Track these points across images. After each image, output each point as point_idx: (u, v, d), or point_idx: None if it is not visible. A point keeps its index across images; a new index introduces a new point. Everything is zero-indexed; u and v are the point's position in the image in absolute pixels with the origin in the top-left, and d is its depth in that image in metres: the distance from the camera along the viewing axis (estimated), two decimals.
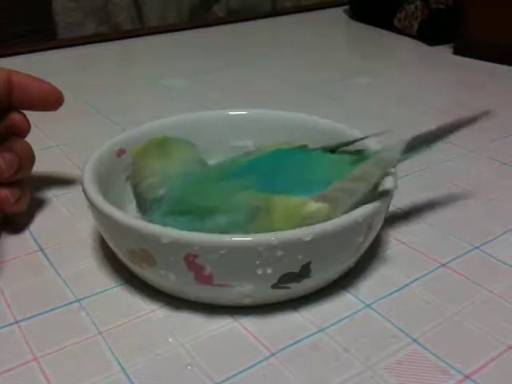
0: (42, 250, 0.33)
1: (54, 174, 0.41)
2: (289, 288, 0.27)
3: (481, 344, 0.26)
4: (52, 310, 0.28)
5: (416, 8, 0.75)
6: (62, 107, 0.36)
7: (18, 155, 0.33)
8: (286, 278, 0.26)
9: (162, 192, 0.30)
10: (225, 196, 0.28)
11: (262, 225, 0.27)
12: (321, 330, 0.27)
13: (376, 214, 0.28)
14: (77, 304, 0.29)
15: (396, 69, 0.66)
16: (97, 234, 0.34)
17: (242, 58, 0.71)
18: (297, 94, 0.58)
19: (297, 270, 0.26)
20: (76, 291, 0.29)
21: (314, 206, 0.27)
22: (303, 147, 0.33)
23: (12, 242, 0.34)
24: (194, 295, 0.28)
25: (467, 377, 0.24)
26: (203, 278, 0.26)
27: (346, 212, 0.27)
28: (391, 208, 0.34)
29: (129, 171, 0.33)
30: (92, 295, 0.29)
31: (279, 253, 0.25)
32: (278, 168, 0.30)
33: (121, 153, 0.34)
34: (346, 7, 0.90)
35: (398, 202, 0.36)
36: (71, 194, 0.39)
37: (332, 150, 0.32)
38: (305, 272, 0.26)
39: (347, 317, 0.28)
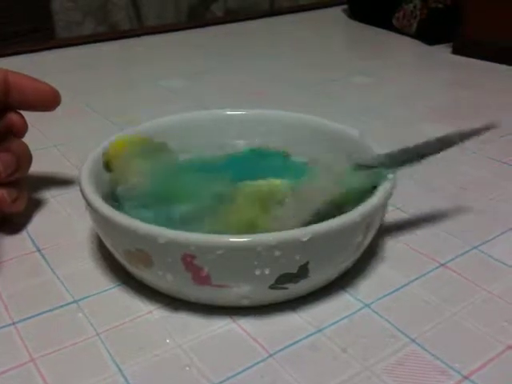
0: (39, 250, 0.33)
1: (52, 174, 0.41)
2: (287, 288, 0.27)
3: (480, 344, 0.26)
4: (49, 310, 0.28)
5: (415, 7, 0.75)
6: (59, 107, 0.36)
7: (16, 155, 0.33)
8: (284, 279, 0.26)
9: (135, 188, 0.30)
10: (193, 187, 0.28)
11: (225, 208, 0.26)
12: (319, 331, 0.27)
13: (374, 213, 0.28)
14: (74, 305, 0.29)
15: (395, 68, 0.66)
16: (94, 234, 0.34)
17: (240, 58, 0.71)
18: (295, 93, 0.58)
19: (294, 270, 0.26)
20: (73, 292, 0.29)
21: (277, 181, 0.27)
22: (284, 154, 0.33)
23: (9, 242, 0.34)
24: (191, 296, 0.28)
25: (466, 377, 0.24)
26: (201, 279, 0.26)
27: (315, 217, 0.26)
28: (390, 208, 0.34)
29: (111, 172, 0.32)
30: (89, 296, 0.29)
31: (277, 253, 0.25)
32: (255, 168, 0.30)
33: None
34: (345, 6, 0.90)
35: (397, 202, 0.36)
36: (69, 195, 0.39)
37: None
38: (302, 272, 0.26)
39: (345, 317, 0.27)
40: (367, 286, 0.30)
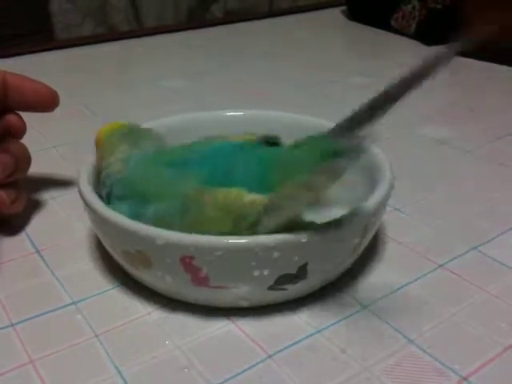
0: (38, 251, 0.33)
1: (51, 175, 0.41)
2: (285, 289, 0.27)
3: (479, 345, 0.26)
4: (48, 312, 0.28)
5: (413, 8, 0.74)
6: (58, 108, 0.36)
7: (14, 156, 0.33)
8: (283, 280, 0.26)
9: (118, 176, 0.29)
10: (169, 184, 0.27)
11: (194, 217, 0.26)
12: (318, 332, 0.27)
13: (373, 214, 0.28)
14: (73, 306, 0.29)
15: (393, 69, 0.65)
16: (93, 235, 0.33)
17: (239, 59, 0.71)
18: (295, 94, 0.58)
19: (293, 271, 0.26)
20: (72, 293, 0.29)
21: (248, 197, 0.25)
22: (273, 140, 0.31)
23: (8, 243, 0.34)
24: (190, 297, 0.28)
25: (465, 378, 0.24)
26: (199, 280, 0.26)
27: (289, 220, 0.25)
28: (388, 208, 0.34)
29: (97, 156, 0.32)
30: (88, 297, 0.29)
31: (275, 254, 0.25)
32: (234, 163, 0.28)
33: None
34: (344, 7, 0.90)
35: (395, 203, 0.36)
36: (67, 196, 0.39)
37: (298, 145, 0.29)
38: (301, 273, 0.26)
39: (344, 318, 0.27)
40: (366, 287, 0.30)
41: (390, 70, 0.66)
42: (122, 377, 0.24)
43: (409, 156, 0.44)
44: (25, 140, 0.36)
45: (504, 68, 0.64)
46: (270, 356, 0.25)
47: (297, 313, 0.28)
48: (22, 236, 0.34)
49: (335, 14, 0.91)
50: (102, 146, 0.32)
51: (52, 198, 0.38)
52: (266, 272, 0.26)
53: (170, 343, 0.26)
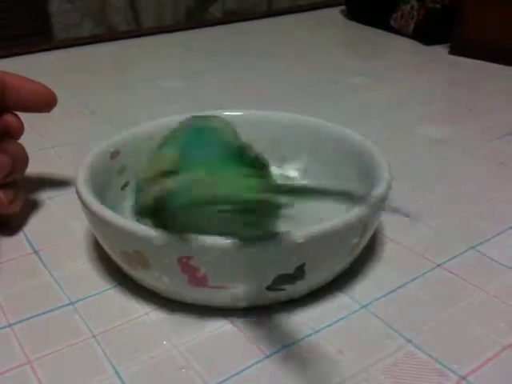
0: (35, 252, 0.33)
1: (48, 175, 0.41)
2: (283, 290, 0.27)
3: (477, 345, 0.26)
4: (46, 312, 0.28)
5: (412, 8, 0.75)
6: (56, 108, 0.36)
7: (12, 157, 0.33)
8: (281, 280, 0.26)
9: None
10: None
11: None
12: (315, 332, 0.27)
13: (371, 214, 0.28)
14: (71, 306, 0.28)
15: (392, 69, 0.66)
16: (91, 235, 0.33)
17: (238, 59, 0.71)
18: (294, 94, 0.58)
19: (291, 271, 0.26)
20: (70, 293, 0.29)
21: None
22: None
23: (6, 243, 0.34)
24: (188, 297, 0.28)
25: (463, 378, 0.24)
26: (197, 280, 0.26)
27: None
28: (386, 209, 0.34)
29: None
30: (86, 297, 0.29)
31: (273, 254, 0.25)
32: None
33: (115, 154, 0.34)
34: (343, 7, 0.90)
35: (393, 202, 0.36)
36: (65, 196, 0.39)
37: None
38: (299, 274, 0.26)
39: (342, 318, 0.27)
40: (364, 287, 0.30)
41: (388, 69, 0.66)
42: (120, 377, 0.24)
43: (407, 156, 0.44)
44: (23, 140, 0.36)
45: (503, 67, 0.64)
46: (267, 356, 0.25)
47: (294, 313, 0.28)
48: (20, 236, 0.34)
49: (334, 14, 0.91)
50: None
51: (50, 199, 0.38)
52: (263, 272, 0.26)
53: (167, 343, 0.26)
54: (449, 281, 0.30)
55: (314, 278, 0.28)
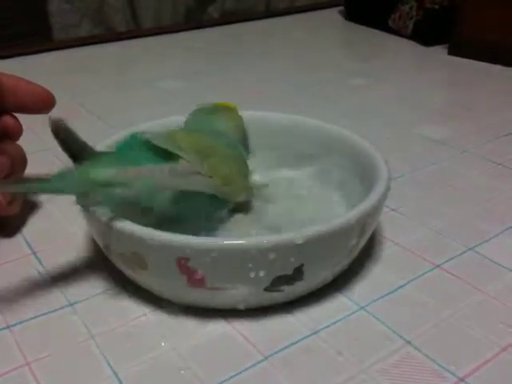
0: (34, 253, 0.33)
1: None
2: (282, 291, 0.27)
3: (476, 346, 0.26)
4: (44, 314, 0.28)
5: (411, 8, 0.75)
6: (55, 109, 0.36)
7: (10, 158, 0.33)
8: (279, 281, 0.26)
9: None
10: None
11: None
12: (314, 333, 0.27)
13: (369, 215, 0.28)
14: (69, 308, 0.28)
15: (391, 69, 0.66)
16: (89, 237, 0.33)
17: (237, 59, 0.71)
18: (293, 94, 0.58)
19: (290, 272, 0.26)
20: (68, 295, 0.29)
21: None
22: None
23: (4, 245, 0.34)
24: (186, 299, 0.28)
25: (462, 379, 0.24)
26: (195, 282, 0.26)
27: None
28: (385, 209, 0.34)
29: None
30: (84, 299, 0.29)
31: (271, 256, 0.25)
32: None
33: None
34: (341, 8, 0.90)
35: (392, 203, 0.36)
36: (64, 197, 0.38)
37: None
38: (298, 275, 0.26)
39: (341, 319, 0.27)
40: (362, 288, 0.30)
41: (387, 70, 0.66)
42: (118, 378, 0.24)
43: (406, 156, 0.44)
44: (21, 141, 0.35)
45: (502, 68, 0.64)
46: (266, 358, 0.25)
47: (293, 314, 0.28)
48: (19, 238, 0.34)
49: (333, 15, 0.91)
50: None
51: (48, 200, 0.38)
52: (262, 273, 0.26)
53: (166, 345, 0.26)
54: (448, 282, 0.30)
55: (313, 279, 0.28)
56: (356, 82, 0.61)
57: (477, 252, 0.32)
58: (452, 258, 0.32)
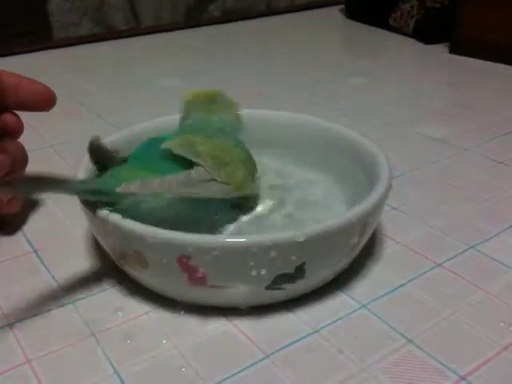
0: (35, 251, 0.33)
1: (48, 174, 0.41)
2: (283, 289, 0.27)
3: (477, 344, 0.26)
4: (45, 311, 0.28)
5: (412, 7, 0.75)
6: (56, 107, 0.36)
7: (11, 156, 0.33)
8: (281, 279, 0.26)
9: None
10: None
11: None
12: (315, 332, 0.27)
13: (370, 214, 0.28)
14: (70, 306, 0.28)
15: (392, 68, 0.66)
16: (90, 235, 0.33)
17: (237, 58, 0.71)
18: (293, 93, 0.58)
19: (291, 270, 0.26)
20: (69, 293, 0.29)
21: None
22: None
23: (5, 243, 0.34)
24: (187, 297, 0.28)
25: (463, 378, 0.24)
26: (196, 280, 0.26)
27: None
28: (386, 208, 0.34)
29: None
30: (85, 297, 0.29)
31: (273, 254, 0.25)
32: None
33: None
34: (342, 6, 0.90)
35: (393, 202, 0.36)
36: (65, 196, 0.38)
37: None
38: (299, 273, 0.26)
39: (342, 318, 0.27)
40: (364, 287, 0.29)
41: (388, 69, 0.66)
42: (119, 376, 0.24)
43: (407, 155, 0.44)
44: (22, 139, 0.35)
45: (502, 66, 0.64)
46: (267, 356, 0.25)
47: (294, 312, 0.28)
48: (19, 236, 0.34)
49: (333, 13, 0.91)
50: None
51: (49, 198, 0.38)
52: (263, 272, 0.26)
53: (167, 343, 0.26)
54: (449, 280, 0.30)
55: (314, 277, 0.28)
56: (356, 80, 0.61)
57: (478, 250, 0.32)
58: (453, 257, 0.32)
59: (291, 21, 0.89)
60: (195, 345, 0.26)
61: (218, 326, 0.27)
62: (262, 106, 0.40)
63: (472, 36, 0.66)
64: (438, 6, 0.72)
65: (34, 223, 0.36)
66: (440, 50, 0.70)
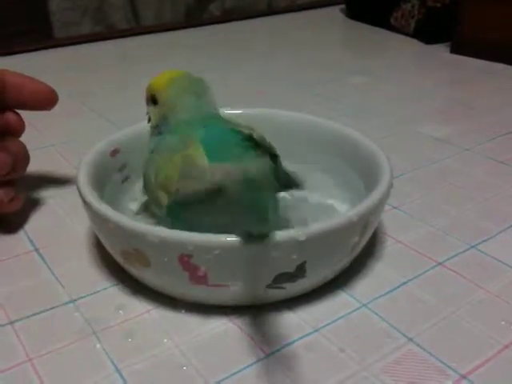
0: (36, 250, 0.33)
1: (49, 173, 0.41)
2: (284, 288, 0.27)
3: (477, 343, 0.26)
4: (46, 310, 0.28)
5: (413, 7, 0.75)
6: (57, 106, 0.36)
7: (12, 155, 0.33)
8: (281, 278, 0.26)
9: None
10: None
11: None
12: (316, 331, 0.27)
13: (371, 213, 0.28)
14: (71, 304, 0.28)
15: (393, 68, 0.66)
16: (92, 233, 0.33)
17: (238, 57, 0.71)
18: (294, 93, 0.58)
19: (292, 269, 0.26)
20: (71, 291, 0.29)
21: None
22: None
23: (7, 242, 0.34)
24: (188, 295, 0.28)
25: (464, 376, 0.24)
26: (198, 278, 0.26)
27: None
28: (386, 207, 0.34)
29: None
30: (87, 295, 0.29)
31: (274, 253, 0.25)
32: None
33: (116, 152, 0.34)
34: (343, 6, 0.90)
35: (394, 201, 0.36)
36: (66, 194, 0.38)
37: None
38: (300, 272, 0.26)
39: (343, 317, 0.27)
40: (364, 286, 0.30)
41: (389, 68, 0.66)
42: (121, 375, 0.24)
43: (408, 154, 0.44)
44: (23, 138, 0.36)
45: (504, 66, 0.64)
46: (268, 355, 0.25)
47: (295, 311, 0.28)
48: (21, 234, 0.34)
49: (334, 13, 0.91)
50: (162, 95, 0.34)
51: (50, 197, 0.38)
52: (264, 270, 0.26)
53: (168, 341, 0.26)
54: (449, 279, 0.30)
55: (315, 276, 0.28)
56: (357, 80, 0.61)
57: (479, 250, 0.32)
58: (454, 256, 0.32)
59: (292, 20, 0.89)
60: (196, 343, 0.26)
61: (218, 324, 0.27)
62: (263, 105, 0.40)
63: (473, 36, 0.66)
64: (439, 5, 0.72)
65: (36, 222, 0.36)
66: (441, 50, 0.71)
